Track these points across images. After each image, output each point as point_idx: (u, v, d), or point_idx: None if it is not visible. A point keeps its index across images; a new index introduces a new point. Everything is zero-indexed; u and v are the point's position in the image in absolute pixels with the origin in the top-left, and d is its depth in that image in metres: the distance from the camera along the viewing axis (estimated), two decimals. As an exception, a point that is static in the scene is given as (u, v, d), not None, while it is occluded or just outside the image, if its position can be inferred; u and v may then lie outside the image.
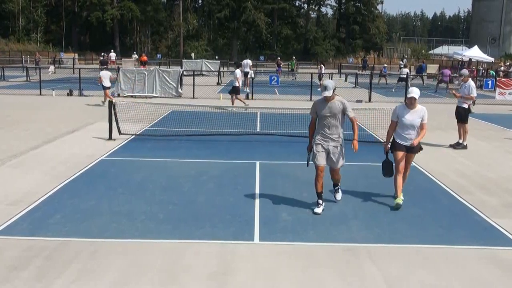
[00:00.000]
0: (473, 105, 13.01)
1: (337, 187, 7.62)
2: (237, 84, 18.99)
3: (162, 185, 8.56)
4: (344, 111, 7.08)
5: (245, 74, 28.20)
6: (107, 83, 19.19)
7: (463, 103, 12.60)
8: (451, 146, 12.46)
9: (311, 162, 7.29)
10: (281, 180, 9.00)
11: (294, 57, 45.99)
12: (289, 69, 43.06)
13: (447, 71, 30.94)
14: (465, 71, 13.67)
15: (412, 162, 10.90)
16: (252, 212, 7.21)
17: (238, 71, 19.36)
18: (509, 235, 6.57)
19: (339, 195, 7.65)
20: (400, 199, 7.62)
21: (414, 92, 7.59)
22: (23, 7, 69.02)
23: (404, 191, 8.59)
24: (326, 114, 7.06)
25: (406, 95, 7.89)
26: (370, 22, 74.87)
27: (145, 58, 45.04)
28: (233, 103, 19.05)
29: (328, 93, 6.99)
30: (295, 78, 39.92)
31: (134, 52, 57.42)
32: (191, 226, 6.63)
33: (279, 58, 48.32)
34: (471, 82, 12.61)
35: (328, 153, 7.11)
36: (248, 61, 29.35)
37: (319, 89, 34.15)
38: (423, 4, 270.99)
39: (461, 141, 12.51)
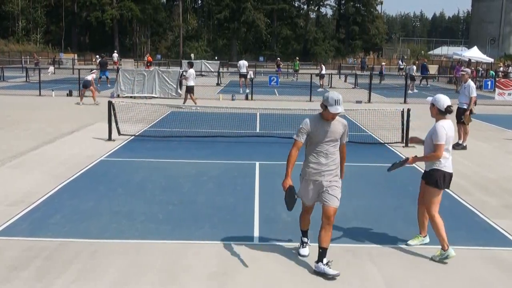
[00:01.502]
0: (475, 105, 12.95)
1: (323, 257, 5.30)
2: (190, 84, 19.47)
3: (162, 186, 8.56)
4: (342, 136, 5.39)
5: (241, 75, 27.83)
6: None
7: (464, 104, 12.59)
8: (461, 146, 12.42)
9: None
10: (281, 181, 8.95)
11: (297, 58, 45.96)
12: (293, 70, 43.06)
13: (459, 67, 30.76)
14: (467, 70, 13.66)
15: (413, 164, 10.96)
16: (251, 213, 7.21)
17: (191, 71, 19.85)
18: (509, 236, 6.57)
19: (330, 270, 5.25)
20: (417, 238, 6.15)
21: (433, 98, 5.91)
22: (23, 7, 69.03)
23: (403, 192, 8.60)
24: (327, 138, 5.25)
25: None
26: (370, 23, 74.94)
27: (150, 58, 45.12)
28: (185, 101, 19.57)
29: (342, 109, 5.16)
30: (297, 79, 39.89)
31: (148, 54, 57.49)
32: (191, 226, 6.63)
33: (278, 58, 48.23)
34: (470, 83, 12.59)
35: (320, 189, 5.40)
36: (244, 62, 28.88)
37: (319, 90, 33.71)
38: (422, 5, 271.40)
39: (460, 142, 12.51)
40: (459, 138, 12.56)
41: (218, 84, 31.88)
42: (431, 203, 5.78)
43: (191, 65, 20.90)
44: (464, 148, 12.36)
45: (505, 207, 7.80)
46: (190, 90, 19.50)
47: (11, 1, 67.23)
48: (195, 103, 19.14)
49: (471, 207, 7.77)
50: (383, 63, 44.57)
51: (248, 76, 27.44)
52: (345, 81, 37.50)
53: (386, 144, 12.72)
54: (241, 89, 26.46)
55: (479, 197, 8.30)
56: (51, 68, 39.70)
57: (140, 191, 8.20)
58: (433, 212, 5.77)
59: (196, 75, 21.99)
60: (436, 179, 5.73)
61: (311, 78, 25.23)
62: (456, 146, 12.40)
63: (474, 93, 12.44)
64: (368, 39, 75.51)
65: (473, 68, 36.87)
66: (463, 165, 10.69)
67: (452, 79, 38.13)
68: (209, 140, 12.70)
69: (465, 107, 12.55)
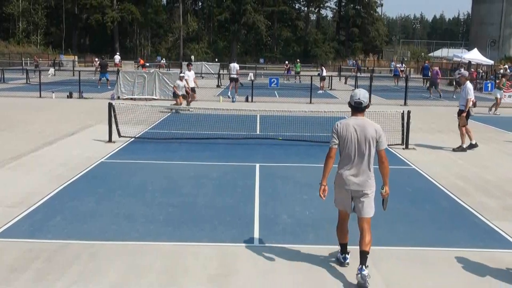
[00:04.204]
0: (474, 107, 12.95)
1: (363, 264, 5.13)
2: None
3: (162, 187, 8.57)
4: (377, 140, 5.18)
5: (232, 79, 26.57)
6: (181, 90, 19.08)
7: (463, 106, 12.59)
8: (466, 148, 12.44)
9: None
10: (281, 182, 9.01)
11: (298, 60, 46.19)
12: (295, 72, 43.24)
13: (436, 69, 29.13)
14: (464, 72, 13.64)
15: (412, 165, 11.05)
16: (252, 214, 7.21)
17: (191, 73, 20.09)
18: (509, 237, 6.57)
19: (366, 270, 5.10)
20: None
21: None
22: (24, 9, 69.11)
23: (402, 193, 8.62)
24: (357, 139, 5.17)
25: None
26: (370, 25, 74.97)
27: (142, 61, 44.99)
28: (188, 103, 19.41)
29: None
30: (300, 81, 39.86)
31: (158, 57, 57.47)
32: (191, 228, 6.63)
33: (287, 62, 48.22)
34: (468, 84, 12.55)
35: (354, 198, 5.26)
36: (234, 65, 27.16)
37: (319, 92, 33.07)
38: (422, 7, 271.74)
39: (470, 143, 12.48)
40: (471, 139, 12.52)
41: (218, 86, 31.89)
42: None
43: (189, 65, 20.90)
44: (464, 150, 12.35)
45: (504, 209, 7.80)
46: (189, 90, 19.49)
47: (12, 3, 67.31)
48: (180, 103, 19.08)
49: (470, 209, 7.77)
50: (398, 65, 44.48)
51: (248, 78, 27.30)
52: (345, 83, 37.52)
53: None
54: (233, 93, 25.18)
55: (479, 199, 8.30)
56: (52, 70, 39.70)
57: (140, 193, 8.21)
58: None
59: (196, 76, 21.94)
60: None
61: (311, 80, 25.24)
62: (470, 148, 12.40)
63: (470, 95, 12.38)
64: (368, 41, 75.52)
65: (472, 70, 36.83)
66: (463, 166, 10.70)
67: (452, 81, 38.12)
68: (209, 142, 12.71)
69: (464, 108, 12.56)
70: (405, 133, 12.53)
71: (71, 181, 8.84)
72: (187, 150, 11.82)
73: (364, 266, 5.11)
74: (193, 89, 19.83)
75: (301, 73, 42.91)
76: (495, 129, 16.52)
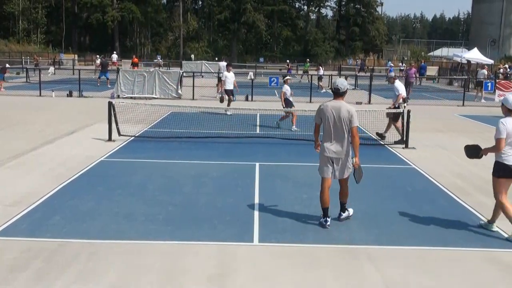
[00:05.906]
0: (404, 102, 13.47)
1: (342, 210, 7.01)
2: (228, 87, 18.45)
3: (162, 186, 8.57)
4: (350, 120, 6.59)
5: (220, 79, 24.31)
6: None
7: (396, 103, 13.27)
8: (396, 142, 12.89)
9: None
10: (281, 182, 9.01)
11: (308, 59, 46.67)
12: (303, 71, 43.43)
13: (413, 70, 27.78)
14: (391, 74, 14.70)
15: (411, 164, 11.06)
16: (251, 214, 7.22)
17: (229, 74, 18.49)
18: (507, 236, 6.57)
19: (344, 214, 7.01)
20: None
21: (503, 99, 7.08)
22: (24, 8, 69.07)
23: (402, 192, 8.62)
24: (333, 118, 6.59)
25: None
26: (370, 24, 74.86)
27: (135, 60, 44.48)
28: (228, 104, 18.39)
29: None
30: (307, 80, 39.83)
31: (158, 57, 57.28)
32: (191, 227, 6.63)
33: (288, 61, 48.53)
34: (396, 82, 13.36)
35: (334, 164, 6.71)
36: (223, 64, 25.71)
37: (322, 91, 32.61)
38: (423, 6, 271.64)
39: (399, 138, 12.96)
40: (399, 134, 13.02)
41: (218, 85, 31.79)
42: (494, 191, 6.61)
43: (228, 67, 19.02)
44: (383, 138, 13.22)
45: (504, 209, 7.80)
46: (228, 93, 18.35)
47: (12, 2, 67.27)
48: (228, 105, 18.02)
49: (470, 208, 7.77)
50: (391, 64, 44.57)
51: (248, 77, 27.22)
52: (345, 82, 37.49)
53: (386, 145, 12.72)
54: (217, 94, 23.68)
55: (478, 198, 8.31)
56: (51, 69, 39.68)
57: (140, 192, 8.21)
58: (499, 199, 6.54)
59: (196, 75, 21.60)
60: (494, 170, 6.56)
61: (311, 80, 25.24)
62: (398, 141, 12.81)
63: (398, 92, 13.05)
64: (368, 40, 75.40)
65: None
66: (462, 166, 10.69)
67: (452, 81, 38.14)
68: (209, 141, 12.71)
69: (396, 105, 13.20)
70: (405, 133, 12.53)
71: (70, 180, 8.84)
72: (187, 149, 11.82)
73: (342, 212, 6.96)
74: (231, 92, 18.39)
75: (300, 72, 43.06)
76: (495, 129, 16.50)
